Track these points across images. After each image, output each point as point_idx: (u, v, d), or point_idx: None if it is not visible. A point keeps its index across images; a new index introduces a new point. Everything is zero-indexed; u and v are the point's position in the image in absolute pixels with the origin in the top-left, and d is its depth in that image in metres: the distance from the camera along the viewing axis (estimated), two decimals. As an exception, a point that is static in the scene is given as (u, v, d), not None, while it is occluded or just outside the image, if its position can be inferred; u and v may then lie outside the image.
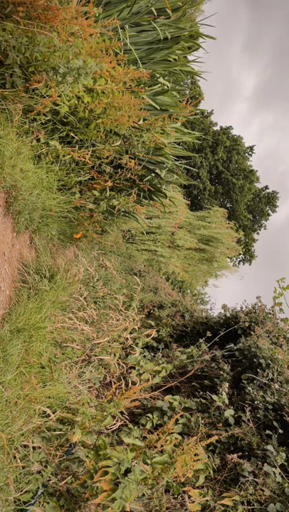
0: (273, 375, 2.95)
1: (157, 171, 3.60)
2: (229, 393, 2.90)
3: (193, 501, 1.89)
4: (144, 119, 3.11)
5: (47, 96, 2.35)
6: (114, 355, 2.92)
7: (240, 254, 23.36)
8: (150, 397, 2.86)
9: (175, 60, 3.67)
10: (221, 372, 3.14)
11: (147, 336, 3.49)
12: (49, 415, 1.80)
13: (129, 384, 2.85)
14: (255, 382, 2.90)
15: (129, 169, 3.18)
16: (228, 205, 24.02)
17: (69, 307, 2.98)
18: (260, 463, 2.25)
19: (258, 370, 2.99)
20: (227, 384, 2.89)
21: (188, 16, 3.88)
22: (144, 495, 1.76)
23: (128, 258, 8.48)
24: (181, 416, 2.58)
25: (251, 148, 25.05)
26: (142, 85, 3.08)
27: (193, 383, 3.19)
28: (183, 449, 1.74)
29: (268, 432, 2.48)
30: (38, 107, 2.33)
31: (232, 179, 23.25)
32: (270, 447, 2.32)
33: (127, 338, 3.17)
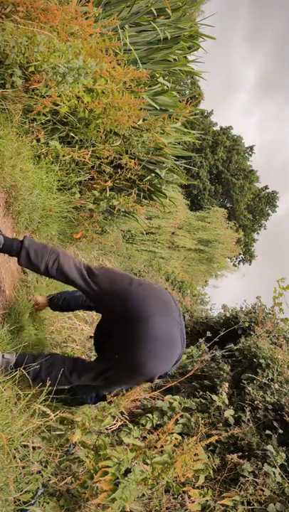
0: (273, 375, 2.95)
1: (157, 170, 3.60)
2: (229, 393, 2.90)
3: (193, 501, 1.89)
4: (144, 119, 3.10)
5: (47, 96, 2.35)
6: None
7: (240, 254, 23.39)
8: (150, 397, 2.85)
9: (175, 60, 3.67)
10: (221, 373, 3.14)
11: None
12: (49, 415, 1.80)
13: (129, 384, 2.84)
14: (255, 382, 2.90)
15: (129, 169, 3.17)
16: (228, 205, 24.04)
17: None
18: (260, 463, 2.25)
19: (258, 370, 2.99)
20: (227, 384, 2.89)
21: (188, 16, 3.88)
22: (144, 495, 1.76)
23: (128, 258, 8.48)
24: (181, 416, 2.58)
25: (251, 148, 25.09)
26: (142, 85, 3.08)
27: (193, 383, 3.19)
28: (183, 449, 1.73)
29: (267, 432, 2.48)
30: (38, 107, 2.33)
31: (232, 179, 23.27)
32: (270, 447, 2.31)
33: (127, 338, 3.16)
